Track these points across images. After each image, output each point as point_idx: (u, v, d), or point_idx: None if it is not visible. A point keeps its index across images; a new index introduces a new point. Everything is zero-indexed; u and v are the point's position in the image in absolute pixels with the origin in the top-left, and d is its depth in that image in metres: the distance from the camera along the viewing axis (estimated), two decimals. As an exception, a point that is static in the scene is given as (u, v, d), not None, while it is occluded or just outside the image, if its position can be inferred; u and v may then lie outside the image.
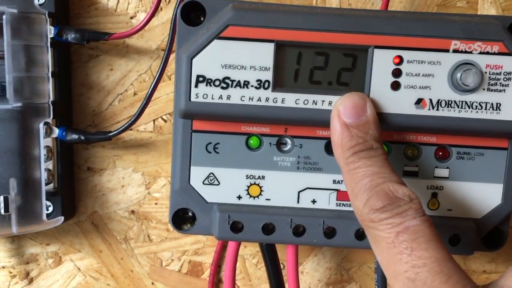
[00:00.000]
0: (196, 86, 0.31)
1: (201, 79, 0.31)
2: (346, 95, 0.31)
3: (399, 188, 0.27)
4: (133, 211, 0.41)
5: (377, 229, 0.27)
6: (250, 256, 0.41)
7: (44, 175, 0.36)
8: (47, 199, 0.37)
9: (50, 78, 0.36)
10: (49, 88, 0.36)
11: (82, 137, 0.37)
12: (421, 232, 0.27)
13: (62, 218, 0.38)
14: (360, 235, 0.33)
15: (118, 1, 0.39)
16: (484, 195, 0.33)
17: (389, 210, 0.27)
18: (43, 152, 0.36)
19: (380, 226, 0.27)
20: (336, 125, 0.30)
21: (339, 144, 0.30)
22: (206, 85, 0.31)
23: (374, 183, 0.28)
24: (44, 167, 0.36)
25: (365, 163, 0.28)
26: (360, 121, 0.30)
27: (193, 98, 0.31)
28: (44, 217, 0.37)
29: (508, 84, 0.31)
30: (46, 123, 0.36)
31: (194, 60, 0.31)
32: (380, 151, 0.29)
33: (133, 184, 0.40)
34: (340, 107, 0.30)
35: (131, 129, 0.39)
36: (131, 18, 0.39)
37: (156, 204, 0.40)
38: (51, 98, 0.37)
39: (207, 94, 0.31)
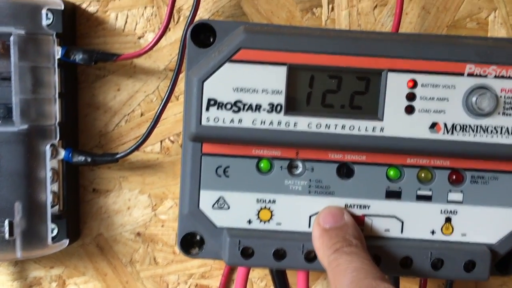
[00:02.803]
0: (207, 109, 0.31)
1: (212, 102, 0.31)
2: (324, 208, 0.33)
3: (381, 284, 0.27)
4: (139, 233, 0.40)
5: None
6: (258, 279, 0.41)
7: (49, 198, 0.36)
8: (52, 222, 0.36)
9: (57, 99, 0.36)
10: (55, 110, 0.36)
11: (89, 159, 0.36)
12: None
13: (67, 241, 0.37)
14: (375, 260, 0.32)
15: (126, 21, 0.38)
16: (499, 220, 0.33)
17: None
18: (49, 174, 0.35)
19: None
20: (316, 231, 0.31)
21: (320, 246, 0.31)
22: (218, 108, 0.31)
23: (356, 279, 0.27)
24: (50, 189, 0.36)
25: (347, 259, 0.29)
26: (338, 224, 0.31)
27: (204, 122, 0.31)
28: (49, 241, 0.36)
29: None
30: (52, 145, 0.36)
31: (205, 83, 0.31)
32: (361, 247, 0.30)
33: (139, 206, 0.40)
34: (319, 217, 0.32)
35: (137, 150, 0.38)
36: (139, 38, 0.38)
37: (162, 226, 0.40)
38: (58, 120, 0.36)
39: (218, 118, 0.31)
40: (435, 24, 0.38)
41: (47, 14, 0.35)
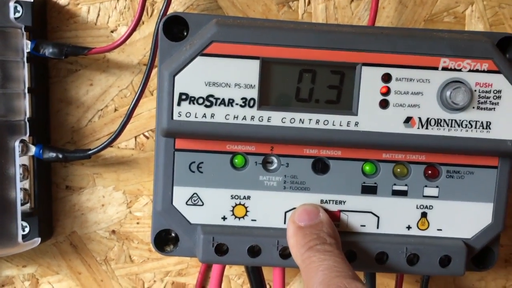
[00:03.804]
0: (178, 104, 0.30)
1: (184, 97, 0.30)
2: (299, 206, 0.32)
3: (352, 282, 0.26)
4: (113, 231, 0.39)
5: None
6: (235, 276, 0.40)
7: (20, 195, 0.35)
8: (23, 220, 0.35)
9: (27, 94, 0.35)
10: (25, 105, 0.35)
11: (60, 156, 0.36)
12: None
13: (39, 240, 0.36)
14: (349, 256, 0.32)
15: (99, 15, 0.37)
16: (474, 215, 0.33)
17: None
18: (18, 171, 0.35)
19: None
20: (291, 229, 0.31)
21: (294, 244, 0.30)
22: (189, 103, 0.30)
23: (327, 277, 0.27)
24: (20, 186, 0.35)
25: (319, 258, 0.28)
26: (313, 222, 0.31)
27: (175, 117, 0.30)
28: (20, 239, 0.35)
29: (497, 103, 0.31)
30: (22, 141, 0.35)
31: (176, 78, 0.30)
32: (335, 245, 0.30)
33: (113, 203, 0.39)
34: (294, 215, 0.31)
35: (111, 146, 0.38)
36: (112, 31, 0.38)
37: (137, 223, 0.39)
38: (28, 115, 0.35)
39: (190, 113, 0.30)
40: (412, 18, 0.38)
41: (15, 7, 0.34)
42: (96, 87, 0.38)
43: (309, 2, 0.38)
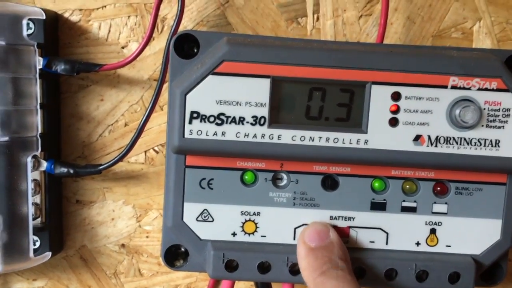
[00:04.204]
0: (190, 122, 0.30)
1: (195, 115, 0.30)
2: (309, 224, 0.32)
3: None
4: (123, 245, 0.39)
5: None
6: None
7: (31, 210, 0.35)
8: (34, 234, 0.36)
9: (39, 110, 0.35)
10: (37, 121, 0.35)
11: (71, 171, 0.36)
12: None
13: (49, 254, 0.37)
14: (358, 273, 0.32)
15: (109, 31, 0.38)
16: (483, 231, 0.33)
17: None
18: (30, 186, 0.35)
19: None
20: (302, 250, 0.31)
21: (306, 267, 0.30)
22: (201, 121, 0.31)
23: None
24: (32, 201, 0.35)
25: (332, 284, 0.28)
26: (324, 243, 0.31)
27: (187, 135, 0.31)
28: (31, 254, 0.35)
29: (506, 121, 0.31)
30: (34, 157, 0.35)
31: (188, 96, 0.30)
32: (346, 269, 0.30)
33: (123, 217, 0.39)
34: (304, 235, 0.31)
35: (121, 161, 0.38)
36: (123, 47, 0.38)
37: (147, 237, 0.39)
38: (39, 131, 0.36)
39: (201, 131, 0.31)
40: (420, 34, 0.38)
41: (28, 24, 0.34)
42: (107, 102, 0.38)
43: (317, 18, 0.38)
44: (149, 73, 0.38)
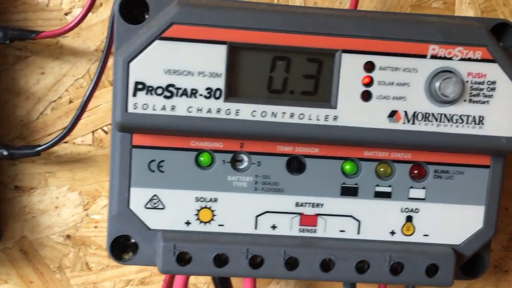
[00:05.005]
0: (134, 95, 0.27)
1: (140, 86, 0.27)
2: None
3: None
4: (68, 236, 0.37)
5: None
6: (204, 285, 0.38)
7: (-42, 197, 0.31)
8: (-36, 224, 0.32)
9: (-34, 83, 0.31)
10: (-36, 95, 0.31)
11: (5, 153, 0.33)
12: None
13: (-18, 246, 0.33)
14: (326, 265, 0.30)
15: (51, -5, 0.34)
16: (464, 219, 0.31)
17: None
18: (-43, 170, 0.31)
19: None
20: None
21: None
22: (147, 93, 0.27)
23: None
24: (-41, 187, 0.31)
25: None
26: None
27: (130, 109, 0.27)
28: (-42, 246, 0.32)
29: (491, 95, 0.29)
30: (-39, 136, 0.31)
31: (131, 64, 0.27)
32: None
33: (68, 205, 0.36)
34: None
35: (66, 142, 0.36)
36: (66, 14, 0.35)
37: (95, 227, 0.37)
38: (-32, 107, 0.32)
39: (147, 104, 0.27)
40: (398, 3, 0.36)
41: (-48, -16, 0.30)
42: (48, 76, 0.35)
43: (285, -15, 0.35)
44: (97, 43, 0.35)
